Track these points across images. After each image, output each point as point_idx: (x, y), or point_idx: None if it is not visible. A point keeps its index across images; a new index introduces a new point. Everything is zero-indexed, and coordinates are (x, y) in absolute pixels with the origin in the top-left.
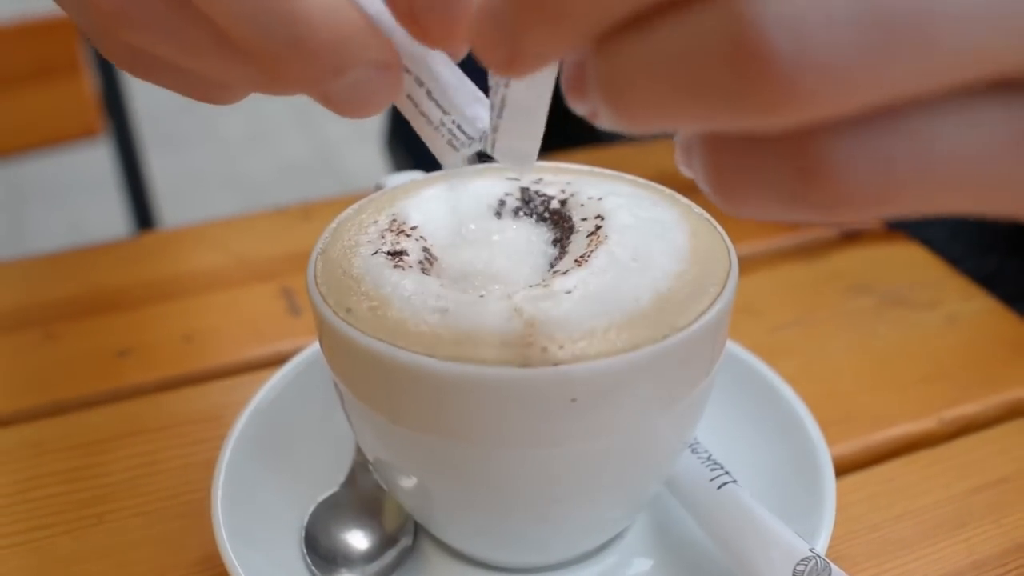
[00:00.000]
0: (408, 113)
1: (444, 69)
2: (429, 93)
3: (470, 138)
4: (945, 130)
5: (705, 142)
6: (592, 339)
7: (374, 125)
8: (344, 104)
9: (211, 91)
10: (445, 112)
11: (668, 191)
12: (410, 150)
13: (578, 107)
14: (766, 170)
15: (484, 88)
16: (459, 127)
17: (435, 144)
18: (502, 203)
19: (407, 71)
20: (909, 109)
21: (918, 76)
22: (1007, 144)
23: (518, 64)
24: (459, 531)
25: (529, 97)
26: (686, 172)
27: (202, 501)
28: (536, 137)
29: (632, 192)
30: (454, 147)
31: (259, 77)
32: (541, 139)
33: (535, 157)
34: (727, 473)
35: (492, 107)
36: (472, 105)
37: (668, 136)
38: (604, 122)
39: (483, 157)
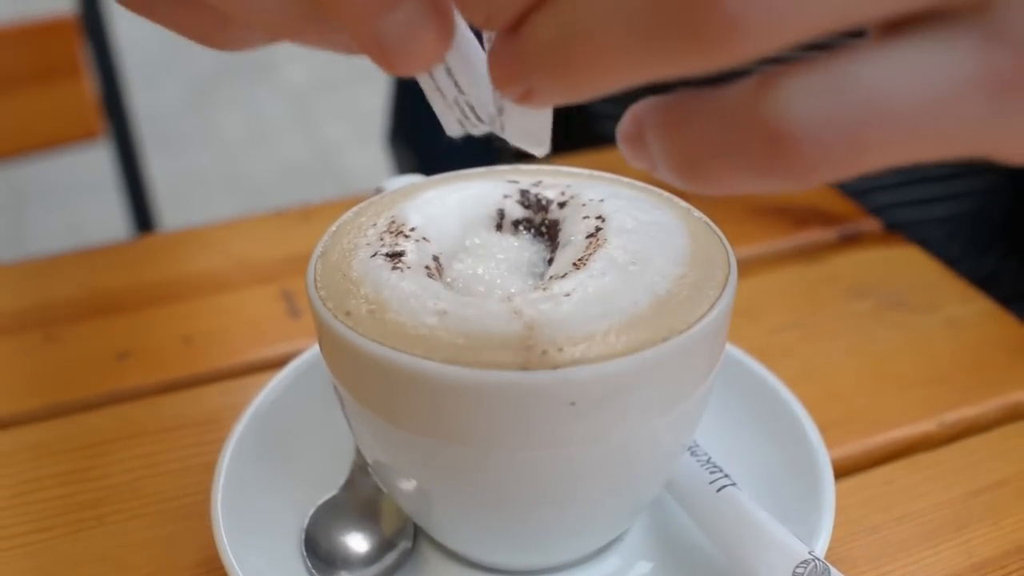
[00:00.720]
0: (423, 81)
1: (466, 45)
2: (448, 70)
3: (480, 120)
4: (895, 74)
5: (665, 118)
6: (592, 342)
7: (374, 127)
8: (393, 50)
9: (221, 31)
10: (461, 91)
11: (667, 194)
12: (413, 147)
13: (510, 89)
14: (731, 141)
15: None
16: (472, 108)
17: (445, 118)
18: (502, 213)
19: None
20: (858, 56)
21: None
22: (959, 85)
23: (532, 100)
24: (458, 534)
25: None
26: (634, 161)
27: (202, 503)
28: (546, 116)
29: (631, 195)
30: (463, 126)
31: (298, 14)
32: (551, 118)
33: (549, 138)
34: (726, 476)
35: (495, 87)
36: (487, 87)
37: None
38: (546, 90)
39: (496, 140)
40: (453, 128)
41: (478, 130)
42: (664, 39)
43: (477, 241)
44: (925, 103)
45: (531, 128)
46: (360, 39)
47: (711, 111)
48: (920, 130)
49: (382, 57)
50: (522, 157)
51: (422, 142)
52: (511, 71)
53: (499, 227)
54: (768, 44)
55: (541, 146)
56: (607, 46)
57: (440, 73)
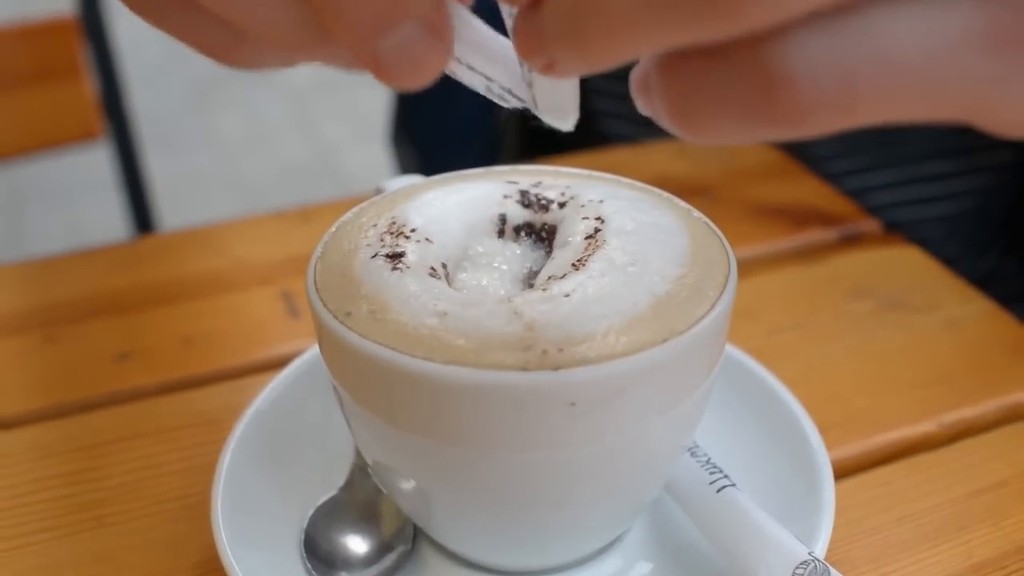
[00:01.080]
0: (455, 71)
1: (482, 38)
2: (470, 67)
3: (519, 99)
4: (900, 26)
5: (663, 67)
6: (591, 343)
7: (374, 127)
8: (394, 67)
9: (235, 47)
10: (490, 79)
11: (667, 195)
12: (416, 146)
13: (534, 61)
14: (728, 87)
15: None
16: (507, 91)
17: (474, 83)
18: (504, 218)
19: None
20: (864, 7)
21: None
22: (959, 39)
23: (555, 72)
24: (458, 534)
25: None
26: (644, 109)
27: (202, 504)
28: (572, 90)
29: (631, 196)
30: (507, 103)
31: (302, 29)
32: (578, 90)
33: (576, 110)
34: (726, 476)
35: (521, 63)
36: (516, 67)
37: (665, 136)
38: (567, 61)
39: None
40: (502, 103)
41: (515, 104)
42: (677, 6)
43: (480, 250)
44: (926, 54)
45: (560, 100)
46: (361, 59)
47: (710, 58)
48: (917, 82)
49: (384, 75)
50: (523, 156)
51: (424, 141)
52: (533, 43)
53: (501, 232)
54: (782, 11)
55: (570, 117)
56: (620, 16)
57: (463, 71)
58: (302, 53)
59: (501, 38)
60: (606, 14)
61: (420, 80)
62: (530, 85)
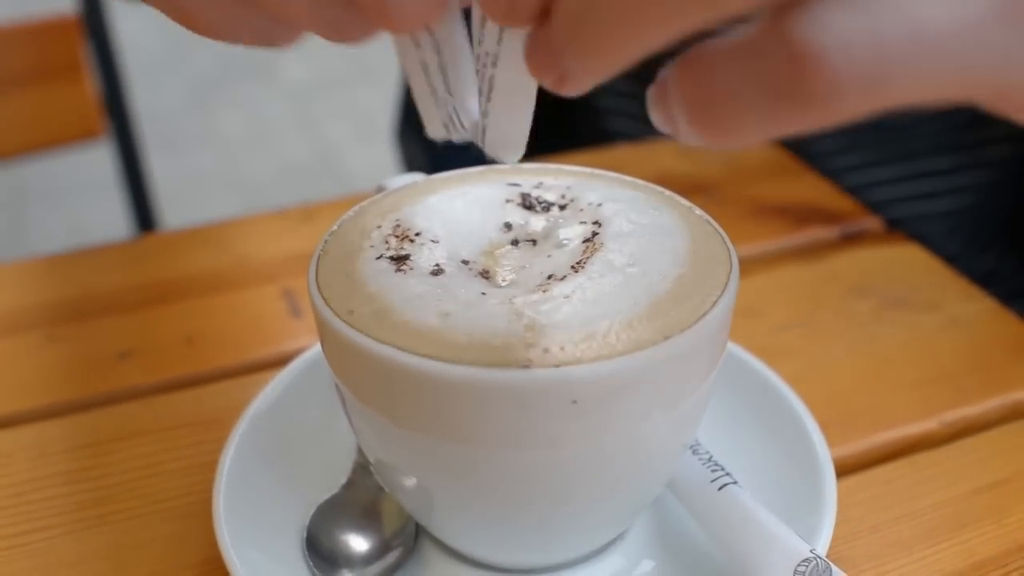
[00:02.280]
0: (414, 76)
1: (463, 51)
2: (442, 68)
3: (463, 127)
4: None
5: (682, 67)
6: (593, 341)
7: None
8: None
9: (211, 9)
10: (449, 93)
11: (668, 193)
12: (423, 142)
13: (545, 77)
14: (753, 73)
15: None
16: (457, 113)
17: (430, 118)
18: (509, 225)
19: (430, 33)
20: None
21: None
22: (988, 13)
23: (567, 86)
24: (460, 532)
25: (517, 78)
26: (662, 125)
27: (203, 503)
28: (525, 122)
29: (632, 196)
30: (447, 129)
31: None
32: (529, 126)
33: (523, 147)
34: (728, 474)
35: (480, 92)
36: (474, 93)
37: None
38: (579, 68)
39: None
40: (437, 130)
41: (459, 136)
42: None
43: (482, 252)
44: (956, 29)
45: (511, 134)
46: None
47: (729, 45)
48: (947, 58)
49: (376, 10)
50: (525, 153)
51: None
52: (544, 58)
53: (502, 236)
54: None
55: (516, 153)
56: (635, 9)
57: (434, 67)
58: (288, 7)
59: (471, 57)
60: (617, 5)
61: (413, 17)
62: (485, 116)
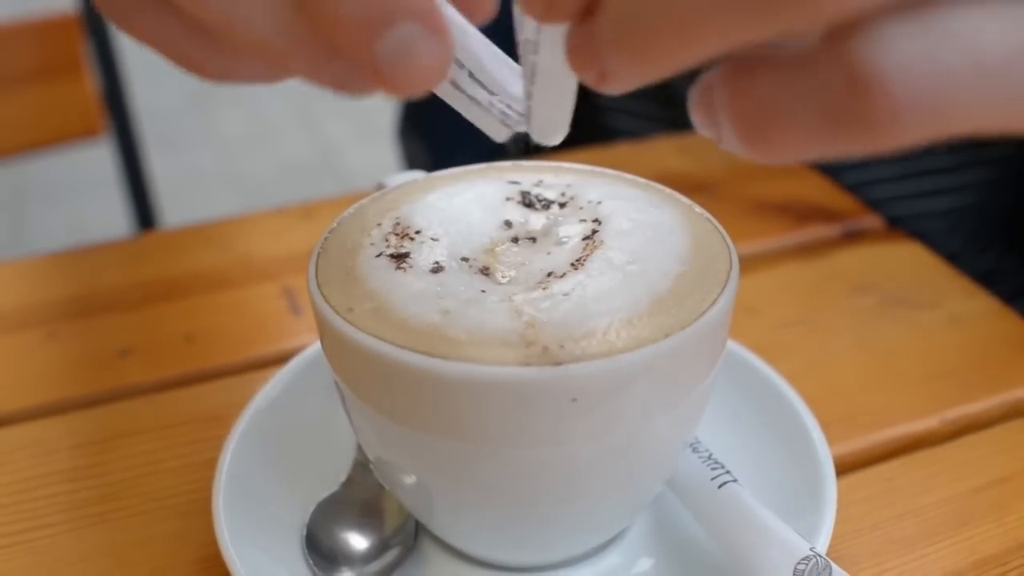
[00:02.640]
0: (451, 97)
1: (483, 49)
2: (472, 74)
3: (521, 115)
4: (992, 27)
5: (731, 77)
6: (593, 339)
7: (375, 124)
8: (393, 71)
9: (210, 56)
10: (492, 93)
11: (669, 191)
12: (425, 138)
13: (586, 73)
14: (807, 92)
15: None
16: (508, 106)
17: (485, 124)
18: (505, 220)
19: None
20: (952, 5)
21: None
22: None
23: (608, 83)
24: (460, 530)
25: (559, 62)
26: (704, 128)
27: (203, 500)
28: (569, 103)
29: (632, 194)
30: (507, 125)
31: (290, 34)
32: (572, 108)
33: (567, 128)
34: (728, 472)
35: (523, 76)
36: (517, 83)
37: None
38: (623, 70)
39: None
40: (498, 132)
41: (520, 127)
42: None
43: (482, 250)
44: (1016, 57)
45: (556, 116)
46: (359, 62)
47: (784, 59)
48: (1006, 87)
49: (383, 79)
50: (527, 152)
51: (434, 134)
52: (586, 53)
53: (502, 234)
54: None
55: (560, 132)
56: (687, 12)
57: (464, 79)
58: (288, 62)
59: (499, 52)
60: (671, 12)
61: (422, 83)
62: (528, 97)
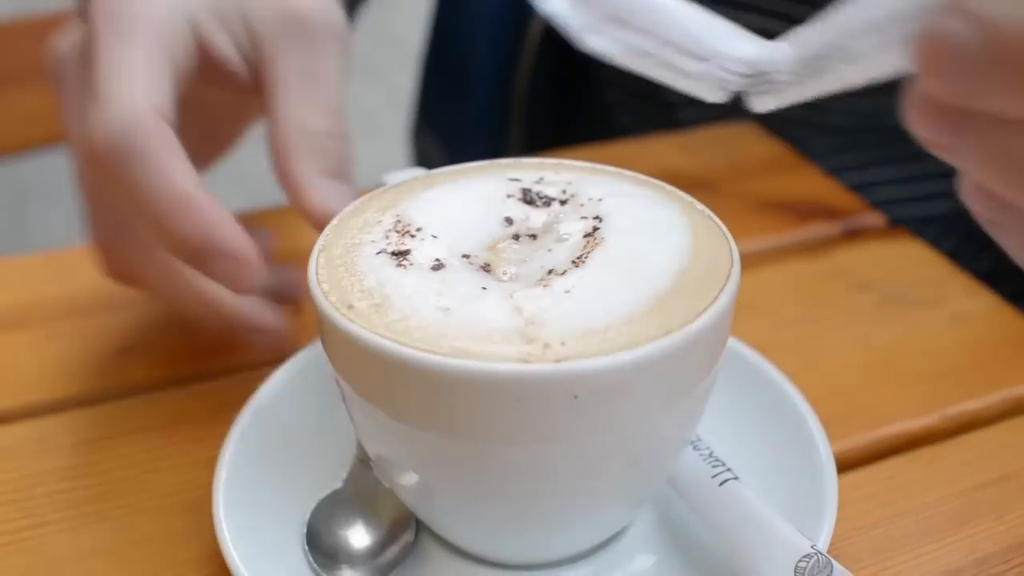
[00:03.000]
0: (662, 75)
1: (692, 20)
2: (681, 50)
3: (743, 75)
4: None
5: (994, 153)
6: (593, 336)
7: (375, 123)
8: (225, 282)
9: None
10: (704, 59)
11: (670, 188)
12: (440, 135)
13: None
14: None
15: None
16: (723, 68)
17: (700, 90)
18: (506, 216)
19: (645, 32)
20: None
21: None
22: None
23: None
24: (460, 527)
25: (853, 79)
26: (941, 153)
27: (204, 498)
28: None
29: (633, 191)
30: (725, 88)
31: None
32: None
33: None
34: (729, 470)
35: (802, 63)
36: (734, 42)
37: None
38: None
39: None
40: (715, 95)
41: (744, 83)
42: None
43: (483, 247)
44: None
45: (794, 96)
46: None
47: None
48: None
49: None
50: (529, 148)
51: (449, 130)
52: (942, 131)
53: (503, 230)
54: None
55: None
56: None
57: (672, 56)
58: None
59: (706, 15)
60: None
61: (244, 288)
62: (793, 76)
